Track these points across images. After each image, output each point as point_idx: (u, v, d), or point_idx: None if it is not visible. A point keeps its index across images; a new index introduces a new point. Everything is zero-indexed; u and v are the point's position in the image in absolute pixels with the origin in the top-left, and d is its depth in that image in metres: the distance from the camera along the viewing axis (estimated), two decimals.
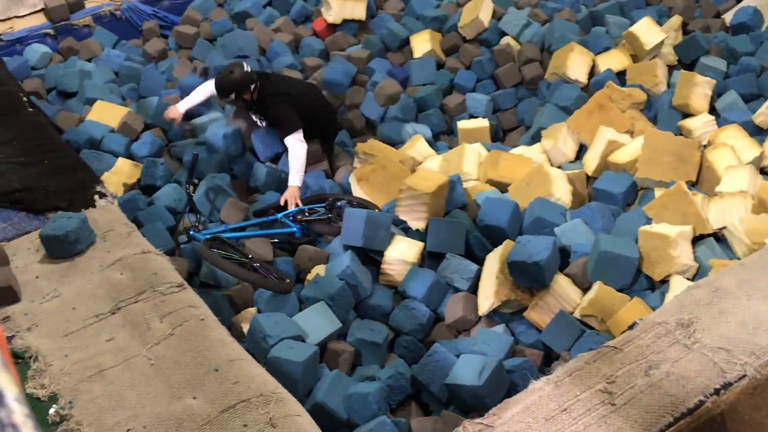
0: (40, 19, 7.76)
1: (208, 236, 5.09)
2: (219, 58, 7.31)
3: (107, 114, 6.44)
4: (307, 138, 5.98)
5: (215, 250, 4.82)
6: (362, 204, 5.49)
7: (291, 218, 5.45)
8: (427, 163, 5.96)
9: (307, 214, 5.47)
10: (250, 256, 4.97)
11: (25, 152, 5.26)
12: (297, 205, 5.55)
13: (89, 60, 7.47)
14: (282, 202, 5.60)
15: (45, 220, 4.63)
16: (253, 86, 5.97)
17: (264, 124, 6.23)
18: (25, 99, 6.04)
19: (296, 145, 5.80)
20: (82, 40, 7.70)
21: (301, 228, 5.40)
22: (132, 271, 4.24)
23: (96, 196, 4.90)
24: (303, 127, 5.92)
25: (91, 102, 6.64)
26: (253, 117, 6.28)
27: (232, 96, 5.97)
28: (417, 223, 5.16)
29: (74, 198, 4.87)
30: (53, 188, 4.91)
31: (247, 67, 5.97)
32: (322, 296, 4.58)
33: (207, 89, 6.34)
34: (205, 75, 7.27)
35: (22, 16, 7.72)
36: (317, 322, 4.45)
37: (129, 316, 3.93)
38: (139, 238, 4.59)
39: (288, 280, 4.85)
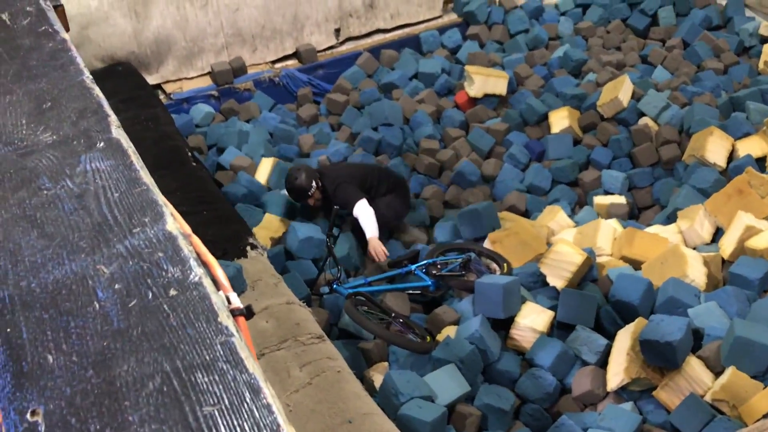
0: (206, 82, 8.26)
1: (350, 290, 5.23)
2: (366, 125, 7.65)
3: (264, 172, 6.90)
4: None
5: (359, 308, 4.93)
6: (493, 257, 5.58)
7: (424, 270, 5.56)
8: (561, 235, 6.03)
9: (439, 266, 5.58)
10: (393, 314, 5.11)
11: (187, 202, 5.54)
12: (385, 254, 5.77)
13: (247, 121, 7.88)
14: (369, 256, 5.83)
15: None
16: (318, 180, 6.17)
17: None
18: (189, 154, 6.38)
19: (362, 209, 5.98)
20: (243, 102, 8.12)
21: (434, 282, 5.51)
22: (277, 320, 4.39)
23: (248, 247, 5.12)
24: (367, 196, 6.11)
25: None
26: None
27: (311, 192, 6.12)
28: (556, 281, 5.24)
29: (228, 247, 5.08)
30: (210, 237, 5.06)
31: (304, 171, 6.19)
32: (453, 358, 4.65)
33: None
34: (352, 141, 7.62)
35: (191, 78, 8.26)
36: (447, 384, 4.53)
37: (272, 362, 4.07)
38: (284, 289, 4.76)
39: (428, 338, 4.92)
